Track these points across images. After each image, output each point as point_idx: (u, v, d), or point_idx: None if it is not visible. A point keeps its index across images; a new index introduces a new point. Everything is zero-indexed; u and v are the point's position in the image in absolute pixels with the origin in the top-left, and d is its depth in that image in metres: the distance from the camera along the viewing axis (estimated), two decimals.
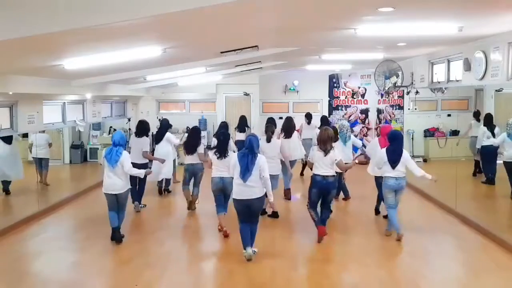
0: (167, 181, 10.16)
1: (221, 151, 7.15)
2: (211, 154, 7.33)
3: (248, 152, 6.07)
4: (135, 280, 5.65)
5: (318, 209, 7.03)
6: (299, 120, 11.54)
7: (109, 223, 6.93)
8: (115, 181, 6.79)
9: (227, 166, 6.76)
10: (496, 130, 9.54)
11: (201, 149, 8.40)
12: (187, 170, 8.49)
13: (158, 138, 9.54)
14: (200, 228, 8.08)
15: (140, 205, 8.76)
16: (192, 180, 8.63)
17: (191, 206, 8.64)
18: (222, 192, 7.22)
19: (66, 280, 5.88)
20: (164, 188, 10.12)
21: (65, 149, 13.62)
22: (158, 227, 7.82)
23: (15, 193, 10.17)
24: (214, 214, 7.82)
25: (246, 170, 5.98)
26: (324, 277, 5.85)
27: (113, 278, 5.93)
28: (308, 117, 11.99)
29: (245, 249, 6.16)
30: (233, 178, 6.36)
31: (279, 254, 6.44)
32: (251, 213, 6.16)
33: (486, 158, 10.06)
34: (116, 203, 6.87)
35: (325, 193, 6.89)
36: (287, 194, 9.44)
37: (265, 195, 6.17)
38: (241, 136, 11.08)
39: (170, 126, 10.30)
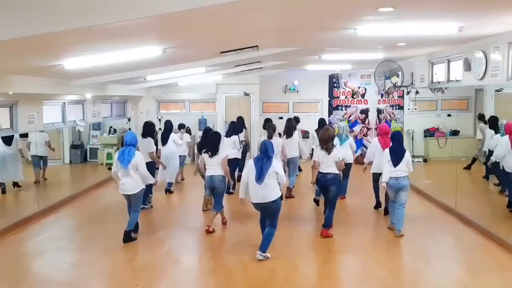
0: (169, 182, 10.30)
1: (213, 149, 7.43)
2: (203, 154, 7.57)
3: (263, 156, 6.31)
4: (135, 280, 5.65)
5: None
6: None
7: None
8: (128, 182, 6.83)
9: (218, 164, 7.39)
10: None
11: None
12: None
13: (164, 139, 9.82)
14: (200, 228, 8.07)
15: (147, 206, 8.76)
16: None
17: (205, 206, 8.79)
18: (212, 190, 7.57)
19: (66, 280, 5.88)
20: (165, 188, 10.22)
21: (65, 149, 13.64)
22: (158, 228, 7.82)
23: (15, 193, 10.19)
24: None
25: (260, 173, 6.18)
26: (324, 277, 5.86)
27: (113, 278, 5.93)
28: (295, 119, 12.17)
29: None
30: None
31: (279, 254, 6.43)
32: (268, 215, 6.36)
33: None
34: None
35: (325, 189, 7.23)
36: (289, 193, 9.63)
37: (281, 197, 6.38)
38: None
39: (184, 126, 11.10)
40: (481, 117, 11.47)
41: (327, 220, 7.19)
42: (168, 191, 10.22)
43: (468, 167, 11.53)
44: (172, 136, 10.05)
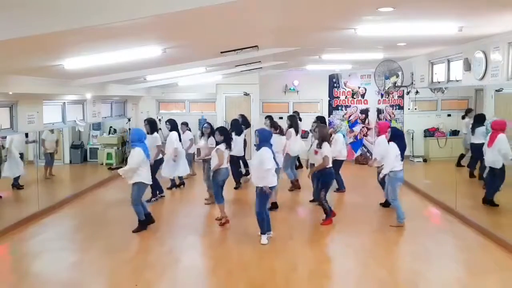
0: (180, 178, 10.62)
1: (229, 143, 7.74)
2: (223, 149, 7.65)
3: (267, 145, 6.77)
4: (135, 280, 5.66)
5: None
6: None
7: (138, 216, 7.41)
8: (148, 172, 7.51)
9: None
10: (482, 129, 9.76)
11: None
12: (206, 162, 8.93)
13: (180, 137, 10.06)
14: (200, 228, 8.08)
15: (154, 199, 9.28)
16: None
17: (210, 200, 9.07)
18: (224, 182, 7.79)
19: (66, 280, 5.88)
20: (181, 182, 10.59)
21: (65, 149, 13.63)
22: (159, 227, 7.82)
23: (15, 193, 10.19)
24: (215, 213, 7.84)
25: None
26: (324, 277, 5.87)
27: (113, 278, 5.93)
28: (296, 114, 12.43)
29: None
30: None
31: (279, 254, 6.44)
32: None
33: (474, 155, 10.19)
34: None
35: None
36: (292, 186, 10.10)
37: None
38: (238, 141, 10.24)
39: (187, 124, 11.08)
40: (466, 112, 11.84)
41: None
42: (182, 183, 10.63)
43: (458, 164, 11.54)
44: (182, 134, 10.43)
